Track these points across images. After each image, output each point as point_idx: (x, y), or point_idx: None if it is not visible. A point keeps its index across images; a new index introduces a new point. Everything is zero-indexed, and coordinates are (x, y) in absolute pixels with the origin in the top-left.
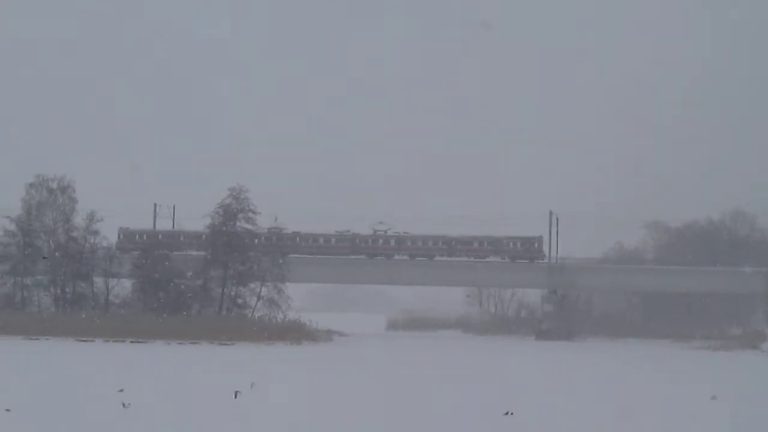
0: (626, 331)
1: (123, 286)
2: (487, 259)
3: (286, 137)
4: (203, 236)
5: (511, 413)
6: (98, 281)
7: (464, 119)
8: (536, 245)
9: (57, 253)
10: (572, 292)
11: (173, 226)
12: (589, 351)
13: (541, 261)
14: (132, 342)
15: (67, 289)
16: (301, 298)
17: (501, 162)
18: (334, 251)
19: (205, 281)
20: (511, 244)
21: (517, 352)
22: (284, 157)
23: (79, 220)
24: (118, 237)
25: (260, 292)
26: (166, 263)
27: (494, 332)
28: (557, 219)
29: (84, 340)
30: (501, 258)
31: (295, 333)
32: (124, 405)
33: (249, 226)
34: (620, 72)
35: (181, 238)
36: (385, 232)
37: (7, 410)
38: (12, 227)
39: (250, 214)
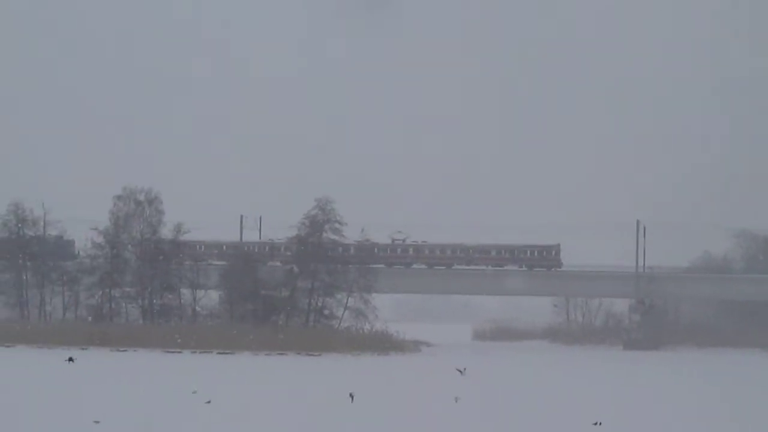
0: (714, 340)
1: (210, 298)
2: (505, 268)
3: (368, 152)
4: (287, 247)
5: (600, 423)
6: (185, 292)
7: (534, 126)
8: (554, 253)
9: (144, 265)
10: (660, 302)
11: (260, 237)
12: (685, 361)
13: (558, 269)
14: (219, 353)
15: (154, 301)
16: (387, 309)
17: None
18: (354, 260)
19: (292, 292)
20: (529, 252)
21: (612, 362)
22: (363, 170)
23: (166, 231)
24: (197, 248)
25: (347, 302)
26: (253, 274)
27: (581, 342)
28: (644, 228)
29: (171, 352)
30: (519, 266)
31: (382, 343)
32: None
33: (335, 237)
34: (706, 76)
35: (268, 249)
36: (403, 241)
37: (96, 422)
38: (100, 239)
39: (337, 225)
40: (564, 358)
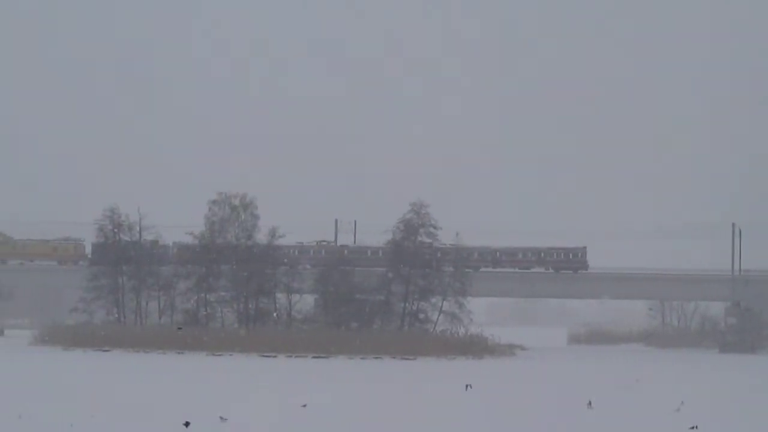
0: None
1: (305, 302)
2: (532, 270)
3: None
4: (382, 251)
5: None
6: (280, 297)
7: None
8: (580, 256)
9: (240, 269)
10: (756, 304)
11: (354, 241)
12: None
13: (584, 271)
14: (314, 357)
15: (250, 305)
16: (482, 312)
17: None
18: (382, 263)
19: (386, 296)
20: (555, 255)
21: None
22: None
23: (261, 236)
24: (292, 252)
25: (441, 306)
26: (348, 278)
27: (676, 345)
28: (740, 231)
29: (267, 356)
30: (545, 269)
31: (477, 347)
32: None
33: (430, 241)
34: None
35: (366, 253)
36: (431, 244)
37: (186, 424)
38: (195, 244)
39: (431, 229)
40: (662, 359)
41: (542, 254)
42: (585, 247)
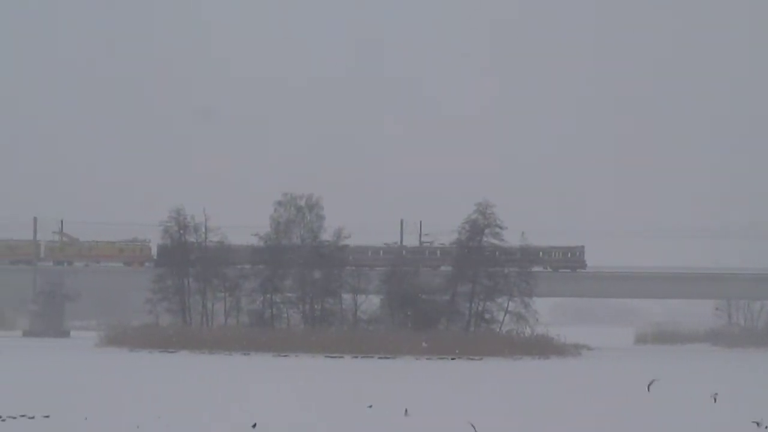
0: None
1: (371, 302)
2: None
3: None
4: (448, 251)
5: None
6: (346, 297)
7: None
8: (578, 254)
9: (305, 270)
10: None
11: (420, 242)
12: None
13: (583, 270)
14: (380, 358)
15: (315, 306)
16: (548, 312)
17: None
18: (382, 263)
19: (452, 296)
20: (554, 254)
21: None
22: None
23: (326, 236)
24: (358, 253)
25: (507, 306)
26: (414, 279)
27: (742, 345)
28: None
29: (333, 356)
30: (543, 268)
31: (543, 347)
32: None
33: (496, 241)
34: None
35: (428, 254)
36: (431, 243)
37: (254, 426)
38: (261, 245)
39: (497, 229)
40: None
41: (541, 253)
42: (583, 246)
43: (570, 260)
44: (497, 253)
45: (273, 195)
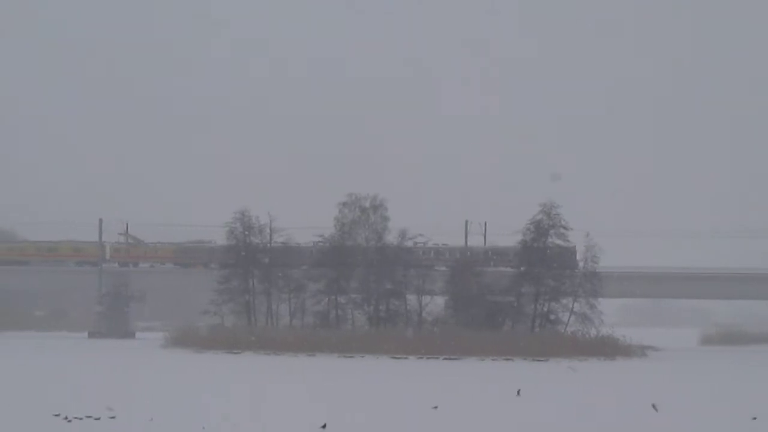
0: None
1: (436, 303)
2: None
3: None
4: (513, 252)
5: None
6: (411, 298)
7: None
8: (569, 256)
9: (370, 271)
10: None
11: (485, 243)
12: None
13: (574, 270)
14: (445, 359)
15: (380, 307)
16: (613, 313)
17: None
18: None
19: (517, 297)
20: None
21: None
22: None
23: (391, 238)
24: (422, 254)
25: (572, 307)
26: (479, 279)
27: None
28: None
29: (398, 358)
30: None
31: (608, 348)
32: None
33: (561, 242)
34: None
35: (492, 254)
36: (425, 244)
37: (323, 426)
38: (326, 246)
39: (562, 230)
40: None
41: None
42: (574, 246)
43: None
44: (561, 255)
45: (339, 196)
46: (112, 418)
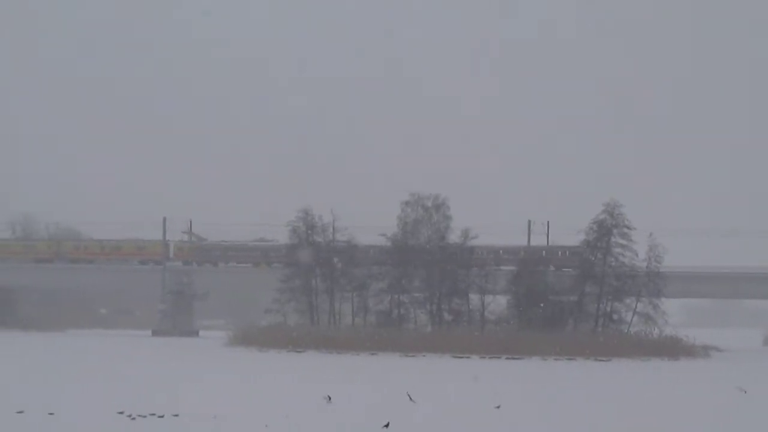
0: None
1: (498, 303)
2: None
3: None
4: (574, 251)
5: None
6: (474, 297)
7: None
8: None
9: (433, 270)
10: None
11: (547, 242)
12: None
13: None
14: (508, 358)
15: (443, 306)
16: (677, 313)
17: None
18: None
19: (580, 297)
20: (560, 253)
21: None
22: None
23: (453, 237)
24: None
25: (635, 307)
26: (542, 279)
27: None
28: None
29: (460, 357)
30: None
31: (672, 349)
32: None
33: (624, 242)
34: None
35: (555, 254)
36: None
37: (386, 425)
38: (388, 245)
39: (625, 230)
40: None
41: (544, 253)
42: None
43: (575, 260)
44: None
45: (401, 195)
46: (176, 416)
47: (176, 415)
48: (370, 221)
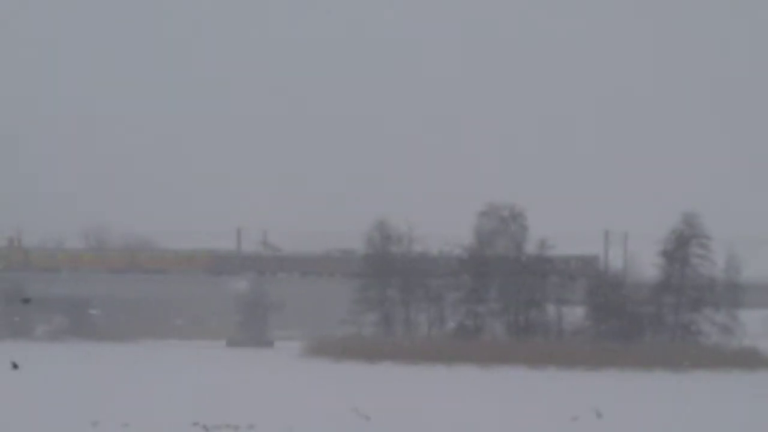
0: None
1: (575, 314)
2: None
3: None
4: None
5: None
6: (551, 308)
7: None
8: (593, 263)
9: (509, 281)
10: None
11: (624, 253)
12: None
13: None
14: (585, 370)
15: (519, 317)
16: (756, 324)
17: None
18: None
19: (657, 308)
20: (570, 263)
21: None
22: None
23: (530, 247)
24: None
25: (714, 318)
26: (619, 290)
27: None
28: None
29: (536, 368)
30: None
31: (750, 360)
32: None
33: (702, 252)
34: None
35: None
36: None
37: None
38: (464, 256)
39: (704, 240)
40: None
41: (554, 262)
42: (597, 256)
43: (585, 269)
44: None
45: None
46: (251, 427)
47: (252, 426)
48: (442, 230)
